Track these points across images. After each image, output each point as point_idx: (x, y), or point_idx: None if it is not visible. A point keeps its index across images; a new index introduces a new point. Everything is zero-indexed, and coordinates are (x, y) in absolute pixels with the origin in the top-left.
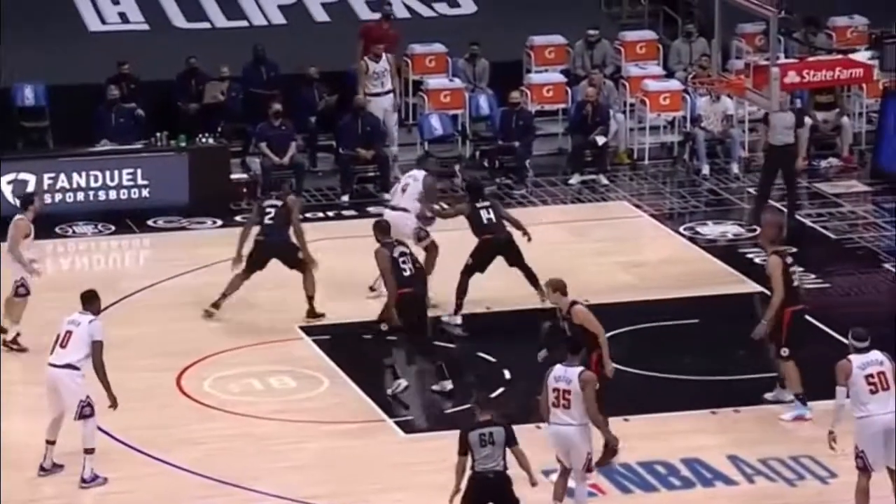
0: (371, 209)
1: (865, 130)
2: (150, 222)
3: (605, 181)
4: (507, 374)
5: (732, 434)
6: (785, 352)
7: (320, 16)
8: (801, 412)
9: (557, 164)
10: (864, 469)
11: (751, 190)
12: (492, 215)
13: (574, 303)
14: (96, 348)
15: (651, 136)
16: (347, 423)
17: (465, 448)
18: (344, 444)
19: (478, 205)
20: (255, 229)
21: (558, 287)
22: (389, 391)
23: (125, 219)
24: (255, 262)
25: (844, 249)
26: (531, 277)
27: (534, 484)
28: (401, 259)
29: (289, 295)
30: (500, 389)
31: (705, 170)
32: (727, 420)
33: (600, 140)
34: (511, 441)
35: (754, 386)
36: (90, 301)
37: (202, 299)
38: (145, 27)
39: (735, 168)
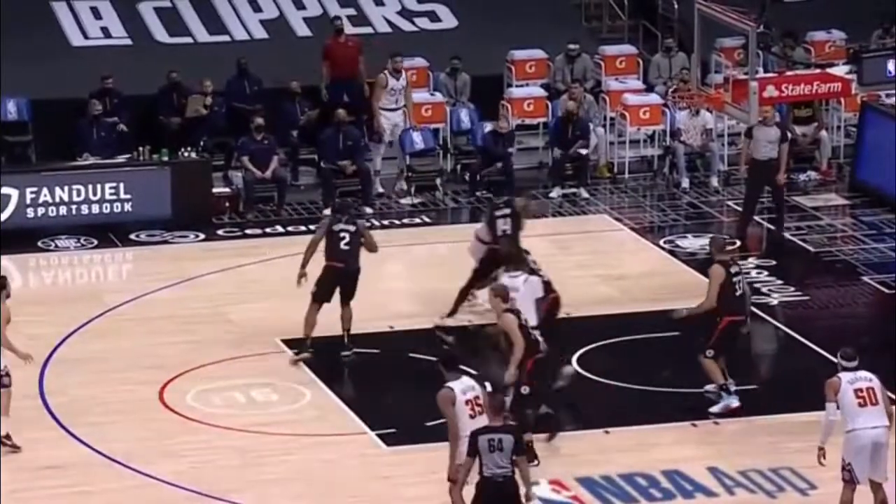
0: None
1: (844, 144)
2: (132, 236)
3: (585, 195)
4: (488, 388)
5: (713, 446)
6: (710, 353)
7: (302, 30)
8: (727, 402)
9: (538, 178)
10: (850, 482)
11: (731, 203)
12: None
13: (507, 311)
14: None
15: (631, 149)
16: (329, 435)
17: (474, 451)
18: (326, 457)
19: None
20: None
21: (500, 294)
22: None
23: (108, 233)
24: (329, 290)
25: (823, 262)
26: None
27: (528, 499)
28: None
29: (270, 308)
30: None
31: (685, 183)
32: (708, 432)
33: (582, 152)
34: (518, 450)
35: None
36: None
37: (185, 313)
38: (128, 42)
39: (715, 181)
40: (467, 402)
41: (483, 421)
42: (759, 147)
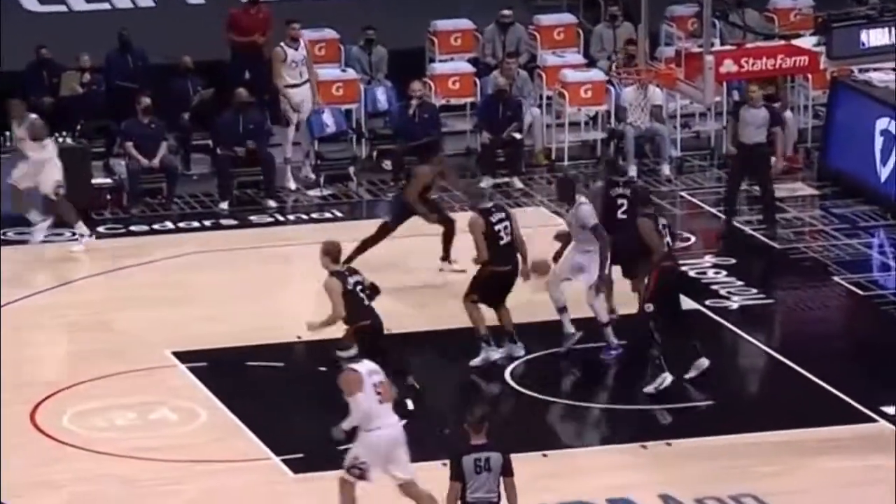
0: (254, 217)
1: (812, 126)
2: (0, 234)
3: (519, 185)
4: (410, 405)
5: (665, 470)
6: (474, 297)
7: None
8: (487, 354)
9: (466, 166)
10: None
11: (684, 194)
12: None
13: (333, 273)
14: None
15: (571, 133)
16: (228, 461)
17: (457, 473)
18: (225, 485)
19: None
20: None
21: (329, 252)
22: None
23: None
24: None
25: (789, 260)
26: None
27: None
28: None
29: (158, 316)
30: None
31: (632, 171)
32: (659, 454)
33: (516, 136)
34: (507, 470)
35: (690, 417)
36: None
37: (61, 322)
38: None
39: (666, 169)
40: None
41: None
42: (746, 130)
